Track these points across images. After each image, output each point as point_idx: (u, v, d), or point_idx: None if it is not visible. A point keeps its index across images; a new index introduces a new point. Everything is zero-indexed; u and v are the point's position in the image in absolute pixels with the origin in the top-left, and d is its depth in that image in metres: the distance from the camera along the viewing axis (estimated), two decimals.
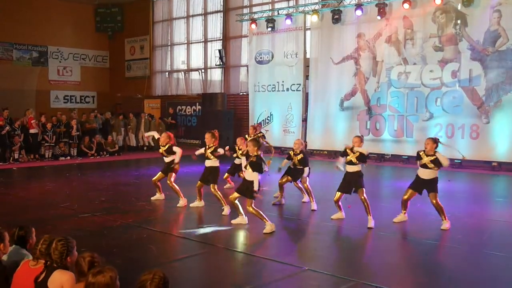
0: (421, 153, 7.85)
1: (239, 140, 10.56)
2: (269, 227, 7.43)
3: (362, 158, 7.97)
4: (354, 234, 7.56)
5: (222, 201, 8.77)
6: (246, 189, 7.53)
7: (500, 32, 14.14)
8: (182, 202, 9.37)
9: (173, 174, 9.54)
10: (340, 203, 8.20)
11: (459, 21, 14.85)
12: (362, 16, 16.52)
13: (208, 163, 9.01)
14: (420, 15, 15.61)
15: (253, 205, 7.46)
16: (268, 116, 19.41)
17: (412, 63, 15.84)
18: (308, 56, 18.38)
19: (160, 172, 9.80)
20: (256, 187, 7.36)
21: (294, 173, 9.33)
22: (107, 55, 26.56)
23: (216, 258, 6.47)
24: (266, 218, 7.50)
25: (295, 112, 18.63)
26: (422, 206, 8.84)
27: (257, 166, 7.35)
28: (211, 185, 8.87)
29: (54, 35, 24.10)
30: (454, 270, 6.03)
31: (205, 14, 22.39)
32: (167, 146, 9.59)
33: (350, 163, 8.00)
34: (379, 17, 16.05)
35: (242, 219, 7.95)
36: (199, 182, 9.10)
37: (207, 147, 9.03)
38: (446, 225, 7.69)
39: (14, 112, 17.86)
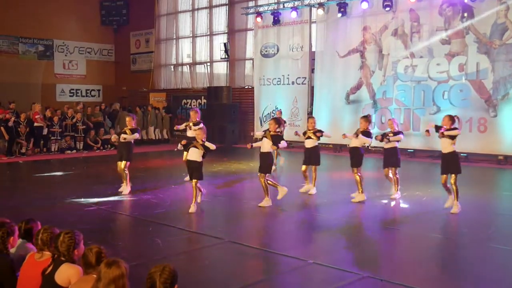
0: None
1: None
2: (266, 201, 8.41)
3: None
4: (359, 228, 7.55)
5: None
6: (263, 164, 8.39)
7: (507, 25, 14.01)
8: (124, 188, 9.69)
9: (128, 163, 9.76)
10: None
11: (466, 14, 14.72)
12: (368, 9, 16.40)
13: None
14: (427, 7, 15.49)
15: (266, 179, 8.31)
16: (274, 110, 19.36)
17: (418, 56, 15.74)
18: (313, 49, 18.28)
19: (118, 161, 9.91)
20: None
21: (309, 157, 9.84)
22: (112, 49, 26.57)
23: (221, 251, 6.47)
24: (268, 193, 8.40)
25: (301, 105, 18.57)
26: (428, 199, 8.81)
27: (278, 139, 8.36)
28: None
29: (60, 29, 24.12)
30: (460, 263, 6.01)
31: (210, 7, 22.33)
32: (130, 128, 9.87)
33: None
34: (387, 8, 15.91)
35: (267, 201, 8.47)
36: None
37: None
38: (455, 209, 7.87)
39: (20, 106, 17.92)
